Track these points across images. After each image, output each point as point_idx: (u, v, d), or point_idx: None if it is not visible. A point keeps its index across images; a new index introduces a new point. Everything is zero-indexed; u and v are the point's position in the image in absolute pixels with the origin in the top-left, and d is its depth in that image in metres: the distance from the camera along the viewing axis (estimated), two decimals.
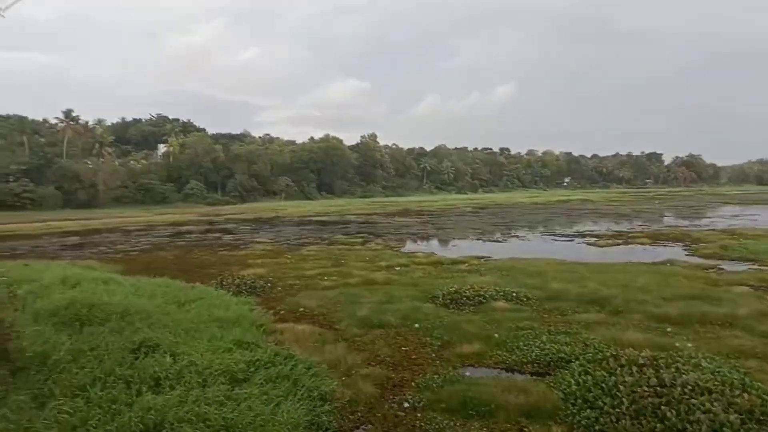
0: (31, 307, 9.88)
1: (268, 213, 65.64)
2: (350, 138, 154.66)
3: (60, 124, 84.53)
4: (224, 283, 16.65)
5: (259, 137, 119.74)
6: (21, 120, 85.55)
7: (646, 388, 7.30)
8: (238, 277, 17.44)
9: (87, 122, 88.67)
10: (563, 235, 36.39)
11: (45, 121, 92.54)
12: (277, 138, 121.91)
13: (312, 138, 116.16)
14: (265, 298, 15.38)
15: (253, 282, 16.90)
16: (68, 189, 68.46)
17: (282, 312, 13.62)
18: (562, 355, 9.66)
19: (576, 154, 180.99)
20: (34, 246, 32.77)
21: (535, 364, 9.59)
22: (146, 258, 25.61)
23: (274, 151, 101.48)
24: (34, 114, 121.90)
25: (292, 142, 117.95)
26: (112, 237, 38.46)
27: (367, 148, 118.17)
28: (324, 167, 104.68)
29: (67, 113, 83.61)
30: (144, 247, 30.97)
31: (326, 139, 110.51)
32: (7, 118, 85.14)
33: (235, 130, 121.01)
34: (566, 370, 8.87)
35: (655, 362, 8.11)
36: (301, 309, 13.95)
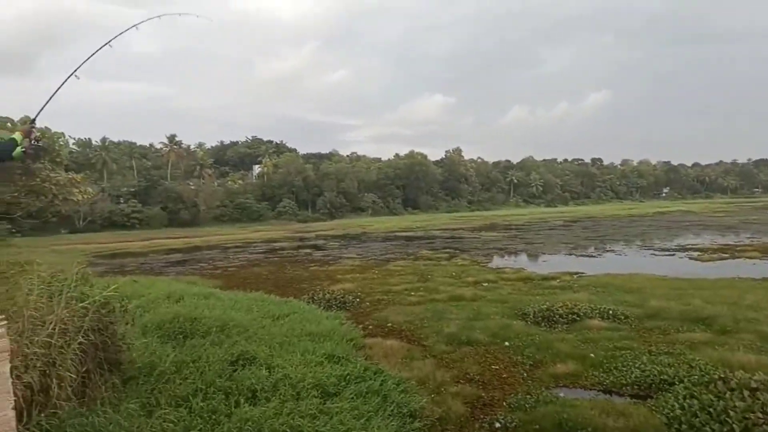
0: (140, 320, 10.57)
1: (355, 229, 66.79)
2: (435, 153, 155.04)
3: (164, 149, 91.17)
4: (315, 297, 17.06)
5: (347, 155, 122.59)
6: (130, 145, 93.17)
7: (760, 415, 6.67)
8: (328, 292, 17.82)
9: (189, 146, 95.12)
10: (663, 249, 34.29)
11: (151, 146, 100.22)
12: (364, 156, 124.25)
13: (397, 155, 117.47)
14: (354, 312, 15.56)
15: (342, 297, 17.20)
16: (172, 209, 73.22)
17: (370, 327, 13.72)
18: (665, 377, 9.04)
19: (675, 162, 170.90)
20: (141, 263, 35.21)
21: (635, 386, 9.03)
22: (243, 273, 26.80)
23: (360, 169, 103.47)
24: (142, 140, 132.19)
25: (378, 160, 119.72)
26: (211, 254, 40.61)
27: (451, 162, 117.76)
28: (409, 183, 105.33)
29: (171, 138, 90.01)
30: (241, 263, 32.43)
31: (411, 155, 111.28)
32: (119, 144, 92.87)
33: (325, 150, 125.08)
34: (669, 393, 8.29)
35: None
36: (389, 324, 13.99)
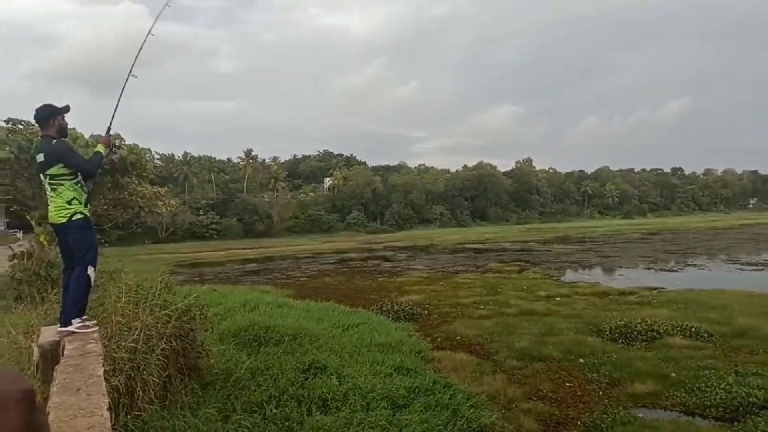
0: (218, 327, 11.01)
1: (423, 240, 66.68)
2: (505, 164, 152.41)
3: (241, 163, 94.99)
4: (384, 308, 17.13)
5: (415, 167, 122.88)
6: (209, 160, 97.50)
7: None
8: (397, 303, 17.85)
9: (264, 160, 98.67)
10: (750, 264, 32.05)
11: (229, 160, 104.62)
12: (432, 167, 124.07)
13: (465, 166, 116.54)
14: (422, 324, 15.51)
15: (410, 308, 17.19)
16: (248, 220, 75.87)
17: (439, 339, 13.62)
18: (754, 399, 8.45)
19: (763, 171, 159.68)
20: (218, 272, 36.64)
21: (720, 409, 8.48)
22: (314, 283, 27.34)
23: (428, 180, 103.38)
24: (220, 154, 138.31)
25: (446, 171, 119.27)
26: (284, 264, 41.71)
27: (522, 173, 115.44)
28: (478, 194, 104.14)
29: (248, 153, 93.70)
30: (312, 274, 33.10)
31: (480, 166, 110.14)
32: (199, 159, 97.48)
33: (393, 162, 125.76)
34: (759, 417, 7.74)
35: None
36: (458, 337, 13.84)
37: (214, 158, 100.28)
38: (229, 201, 77.94)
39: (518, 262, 36.30)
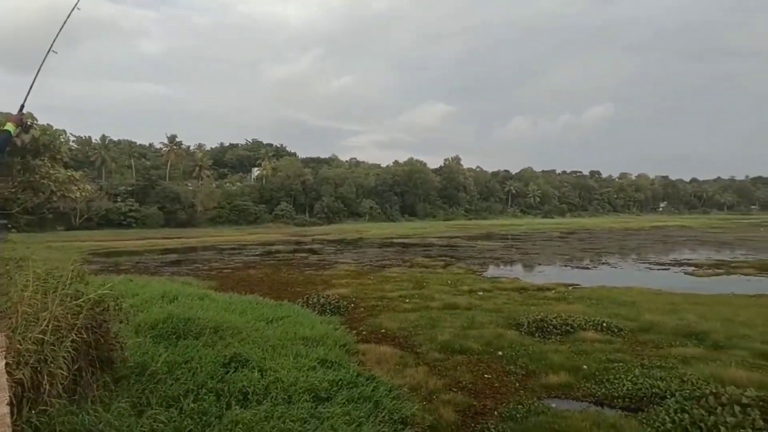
0: (133, 319, 10.54)
1: (352, 234, 66.81)
2: (435, 161, 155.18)
3: (164, 149, 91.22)
4: (310, 302, 17.03)
5: (347, 161, 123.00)
6: (130, 145, 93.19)
7: (750, 431, 6.73)
8: (323, 297, 17.80)
9: (188, 147, 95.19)
10: (658, 264, 34.40)
11: (151, 145, 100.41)
12: (363, 161, 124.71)
13: (396, 161, 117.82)
14: (348, 318, 15.57)
15: (336, 302, 17.19)
16: (169, 209, 73.11)
17: (364, 333, 13.72)
18: (657, 390, 9.06)
19: (673, 177, 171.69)
20: (136, 262, 35.14)
21: (627, 399, 9.05)
22: (238, 275, 26.76)
23: (359, 175, 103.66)
24: (142, 139, 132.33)
25: (377, 166, 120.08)
26: (207, 255, 40.54)
27: (450, 170, 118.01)
28: (407, 190, 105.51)
29: (171, 138, 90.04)
30: (236, 265, 32.38)
31: (410, 162, 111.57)
32: (118, 143, 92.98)
33: (324, 154, 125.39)
34: (661, 406, 8.30)
35: (761, 403, 7.42)
36: (383, 330, 14.00)
37: (135, 143, 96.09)
38: (149, 188, 74.77)
39: (444, 257, 37.14)
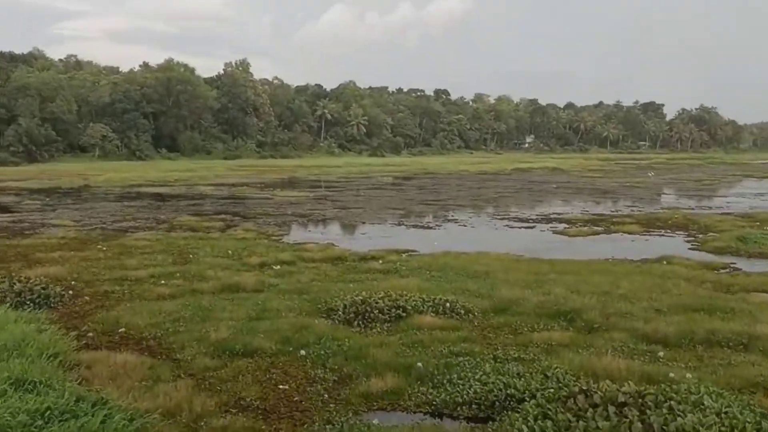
0: None
1: (72, 180, 63.98)
2: (210, 66, 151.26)
3: None
4: None
5: (60, 60, 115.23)
6: None
7: None
8: (20, 280, 16.77)
9: None
10: (521, 220, 37.67)
11: None
12: (90, 62, 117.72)
13: (146, 64, 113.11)
14: (64, 312, 14.98)
15: (44, 288, 16.31)
16: None
17: (91, 334, 13.29)
18: (513, 391, 9.91)
19: (543, 102, 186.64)
20: None
21: (474, 406, 9.80)
22: None
23: (83, 83, 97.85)
24: None
25: (115, 70, 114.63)
26: None
27: (233, 82, 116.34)
28: (165, 110, 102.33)
29: None
30: None
31: (169, 66, 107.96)
32: None
33: (20, 48, 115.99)
34: (517, 412, 9.10)
35: (640, 400, 8.44)
36: (122, 329, 13.65)
37: None
38: None
39: (223, 216, 37.00)
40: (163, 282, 18.30)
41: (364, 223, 35.93)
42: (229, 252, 23.57)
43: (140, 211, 39.00)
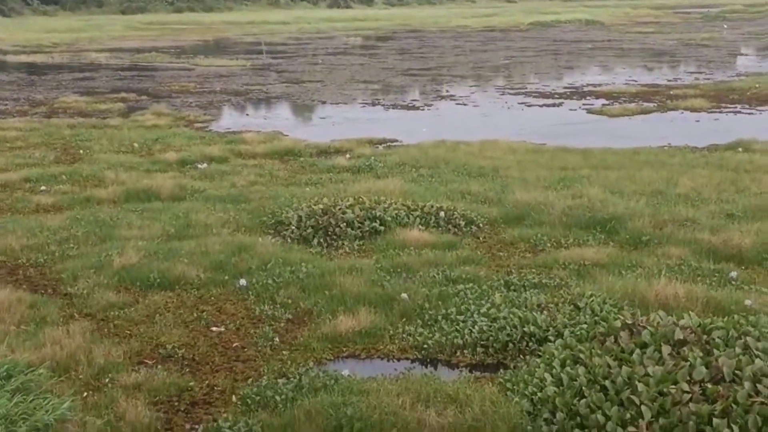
0: None
1: None
2: None
3: None
4: None
5: None
6: None
7: (685, 387, 7.29)
8: None
9: None
10: (542, 95, 37.59)
11: None
12: None
13: None
14: None
15: None
16: None
17: None
18: (532, 328, 9.89)
19: None
20: None
21: (479, 349, 9.81)
22: None
23: None
24: None
25: None
26: None
27: None
28: None
29: None
30: None
31: None
32: None
33: None
34: (538, 356, 9.12)
35: (705, 337, 8.33)
36: None
37: None
38: None
39: (124, 94, 36.82)
40: (43, 188, 18.32)
41: (324, 102, 35.78)
42: (135, 145, 23.46)
43: (5, 89, 38.55)
